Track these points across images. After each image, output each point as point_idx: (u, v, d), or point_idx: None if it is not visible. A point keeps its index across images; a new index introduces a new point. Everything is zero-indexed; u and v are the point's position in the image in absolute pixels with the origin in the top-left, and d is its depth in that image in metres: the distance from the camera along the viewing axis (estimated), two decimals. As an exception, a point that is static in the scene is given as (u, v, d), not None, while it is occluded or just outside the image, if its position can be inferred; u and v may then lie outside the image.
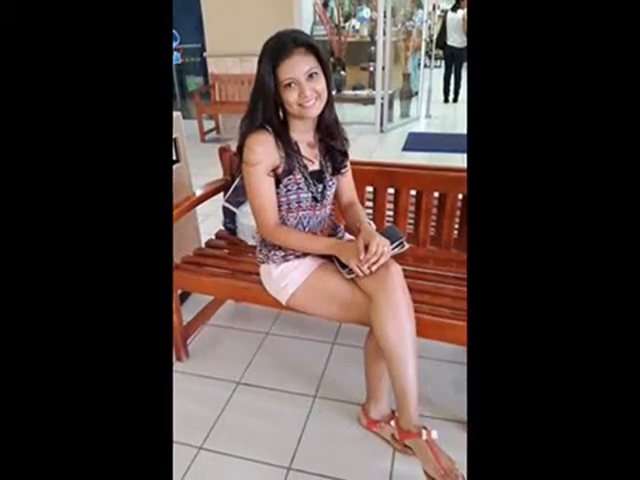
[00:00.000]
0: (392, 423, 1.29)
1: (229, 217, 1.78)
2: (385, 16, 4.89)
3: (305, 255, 1.34)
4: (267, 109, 1.20)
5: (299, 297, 1.33)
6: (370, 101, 5.51)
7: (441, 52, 6.87)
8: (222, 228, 1.87)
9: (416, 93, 6.43)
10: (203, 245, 1.91)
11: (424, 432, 1.16)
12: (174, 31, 5.63)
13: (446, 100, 7.11)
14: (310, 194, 1.30)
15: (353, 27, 6.32)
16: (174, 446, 1.36)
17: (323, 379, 1.64)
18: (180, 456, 1.35)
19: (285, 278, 1.33)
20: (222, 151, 1.92)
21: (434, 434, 1.16)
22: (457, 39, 6.46)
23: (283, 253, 1.34)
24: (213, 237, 1.96)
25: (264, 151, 1.22)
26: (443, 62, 7.03)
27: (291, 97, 1.17)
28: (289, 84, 1.16)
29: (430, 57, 6.55)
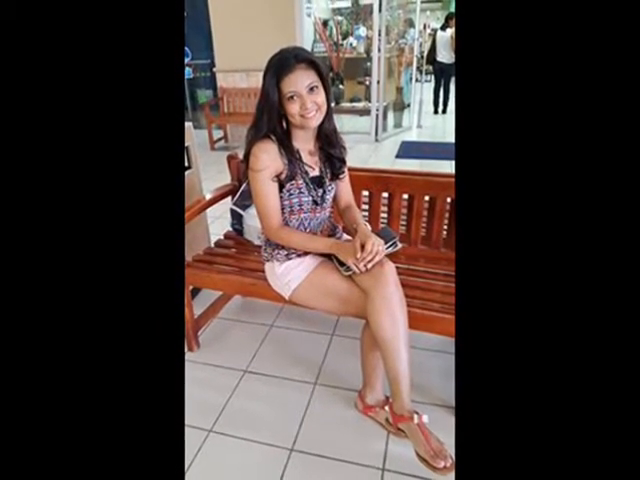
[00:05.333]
0: (386, 408, 1.28)
1: (236, 219, 1.78)
2: (380, 34, 4.90)
3: (306, 254, 1.34)
4: (271, 120, 1.20)
5: (301, 292, 1.33)
6: (366, 112, 5.50)
7: (431, 67, 6.87)
8: (230, 229, 1.87)
9: (408, 105, 6.43)
10: (212, 245, 1.91)
11: (416, 416, 1.16)
12: (186, 48, 5.62)
13: (436, 111, 7.10)
14: (311, 198, 1.30)
15: (350, 44, 6.31)
16: (186, 429, 1.36)
17: (323, 368, 1.64)
18: (191, 438, 1.35)
19: (288, 275, 1.33)
20: (230, 158, 1.92)
21: (425, 418, 1.16)
22: (446, 55, 6.46)
23: (286, 252, 1.34)
24: (222, 237, 1.96)
25: (268, 158, 1.22)
26: (433, 77, 7.03)
27: (293, 109, 1.17)
28: (291, 97, 1.16)
29: (421, 72, 6.55)
